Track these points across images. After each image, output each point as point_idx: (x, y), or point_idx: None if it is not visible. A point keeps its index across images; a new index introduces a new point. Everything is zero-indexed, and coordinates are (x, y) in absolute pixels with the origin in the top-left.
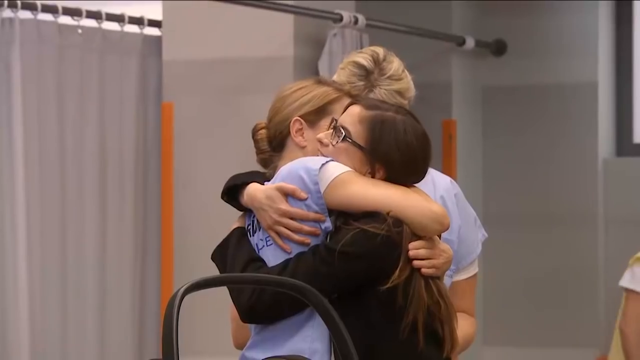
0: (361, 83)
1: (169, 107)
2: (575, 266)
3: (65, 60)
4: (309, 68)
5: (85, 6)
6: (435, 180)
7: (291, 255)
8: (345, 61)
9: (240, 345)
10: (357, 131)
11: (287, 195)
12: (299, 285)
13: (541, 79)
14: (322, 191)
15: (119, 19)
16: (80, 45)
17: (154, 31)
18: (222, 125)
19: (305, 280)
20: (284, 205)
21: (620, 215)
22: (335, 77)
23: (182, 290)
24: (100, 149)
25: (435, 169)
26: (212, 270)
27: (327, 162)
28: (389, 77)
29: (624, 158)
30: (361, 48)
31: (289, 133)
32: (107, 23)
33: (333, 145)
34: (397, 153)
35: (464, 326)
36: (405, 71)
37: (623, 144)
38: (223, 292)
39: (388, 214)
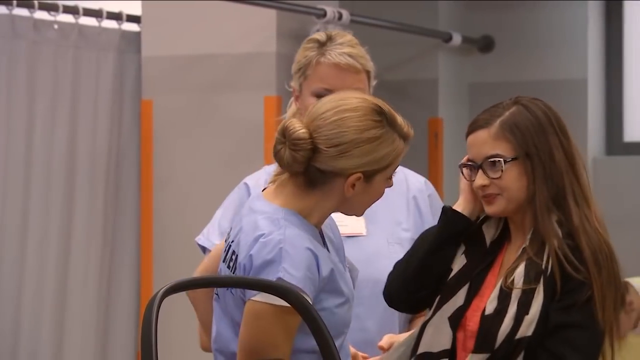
0: (313, 53)
1: (148, 104)
2: None
3: (39, 57)
4: (292, 64)
5: (62, 1)
6: (409, 181)
7: None
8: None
9: (207, 349)
10: (503, 148)
11: None
12: (280, 286)
13: (529, 76)
14: None
15: (96, 14)
16: (56, 40)
17: (132, 27)
18: (203, 123)
19: None
20: None
21: (610, 216)
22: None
23: (161, 292)
24: (71, 147)
25: (421, 168)
26: (192, 272)
27: None
28: (340, 44)
29: (614, 157)
30: None
31: None
32: (84, 18)
33: (500, 178)
34: (539, 134)
35: None
36: (361, 47)
37: (613, 143)
38: None
39: None
